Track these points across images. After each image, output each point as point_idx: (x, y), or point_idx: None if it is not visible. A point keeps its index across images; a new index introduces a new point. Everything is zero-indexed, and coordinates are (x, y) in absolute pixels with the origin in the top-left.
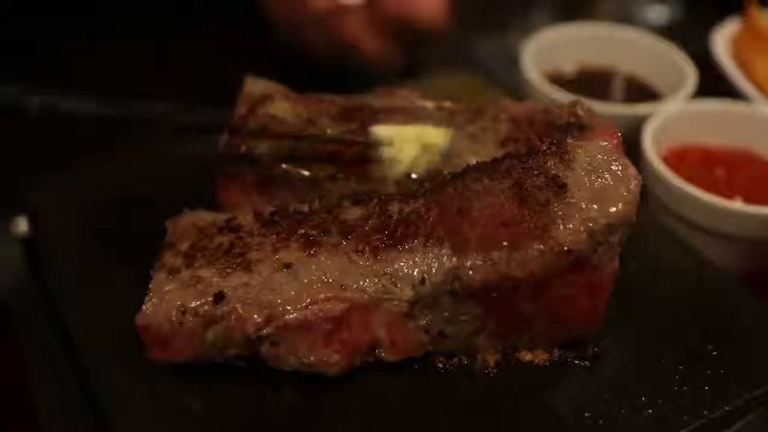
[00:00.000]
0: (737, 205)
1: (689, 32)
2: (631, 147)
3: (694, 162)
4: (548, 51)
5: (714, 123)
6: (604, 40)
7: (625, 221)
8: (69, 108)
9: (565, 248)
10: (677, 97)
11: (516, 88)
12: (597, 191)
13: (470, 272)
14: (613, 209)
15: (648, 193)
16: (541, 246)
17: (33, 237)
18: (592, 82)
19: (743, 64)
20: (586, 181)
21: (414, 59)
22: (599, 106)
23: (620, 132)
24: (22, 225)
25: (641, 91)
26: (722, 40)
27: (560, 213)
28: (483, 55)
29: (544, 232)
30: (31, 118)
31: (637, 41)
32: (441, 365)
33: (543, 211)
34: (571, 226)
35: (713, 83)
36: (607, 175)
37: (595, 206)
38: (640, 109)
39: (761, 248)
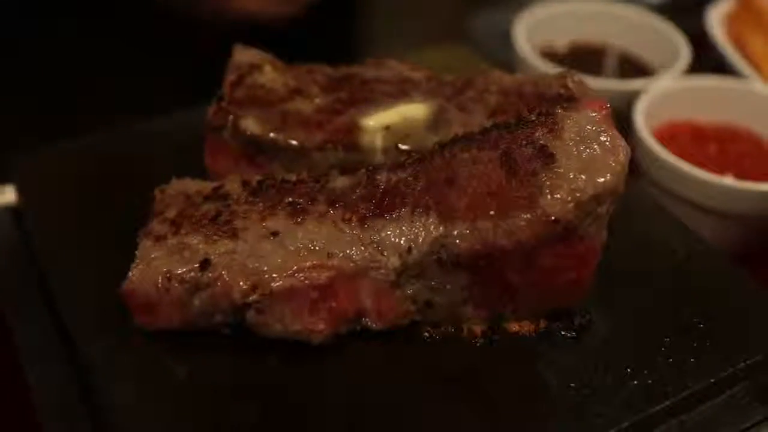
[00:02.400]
0: (728, 181)
1: (684, 9)
2: (623, 123)
3: (686, 138)
4: (541, 26)
5: (706, 99)
6: (598, 16)
7: (612, 192)
8: None
9: (552, 218)
10: (670, 73)
11: (508, 63)
12: (585, 162)
13: (457, 241)
14: (601, 180)
15: (639, 169)
16: (529, 215)
17: (21, 206)
18: (584, 58)
19: (738, 42)
20: (574, 152)
21: (299, 14)
22: (592, 82)
23: (611, 106)
24: (10, 194)
25: (634, 68)
26: (717, 16)
27: (548, 183)
28: (475, 29)
29: (532, 201)
30: (18, 88)
31: (631, 17)
32: (427, 335)
33: (531, 180)
34: (558, 196)
35: (707, 60)
36: (595, 146)
37: (583, 176)
38: (633, 84)
39: (751, 225)
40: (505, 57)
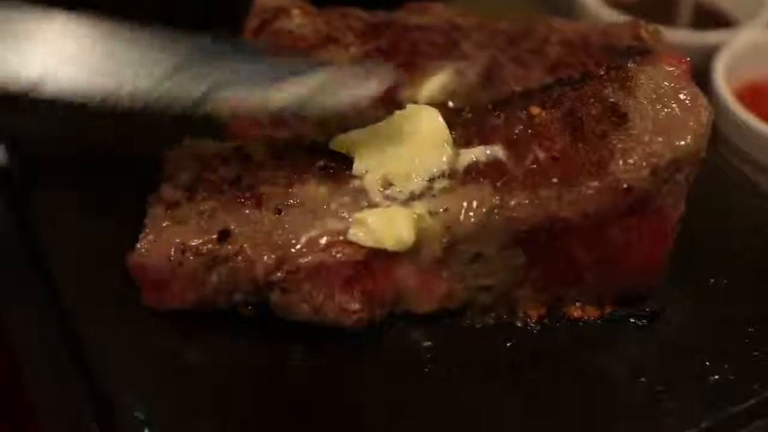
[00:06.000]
0: None
1: None
2: (700, 80)
3: None
4: None
5: None
6: None
7: (693, 157)
8: None
9: (624, 186)
10: (754, 25)
11: (567, 11)
12: (662, 122)
13: (514, 213)
14: (681, 143)
15: (718, 134)
16: (597, 183)
17: (11, 166)
18: (654, 6)
19: None
20: (649, 111)
21: None
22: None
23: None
24: None
25: (711, 18)
26: None
27: (619, 146)
28: None
29: (601, 167)
30: None
31: None
32: (478, 321)
33: (599, 143)
34: (631, 161)
35: None
36: (673, 105)
37: (659, 139)
38: (711, 37)
39: None
40: (565, 4)
